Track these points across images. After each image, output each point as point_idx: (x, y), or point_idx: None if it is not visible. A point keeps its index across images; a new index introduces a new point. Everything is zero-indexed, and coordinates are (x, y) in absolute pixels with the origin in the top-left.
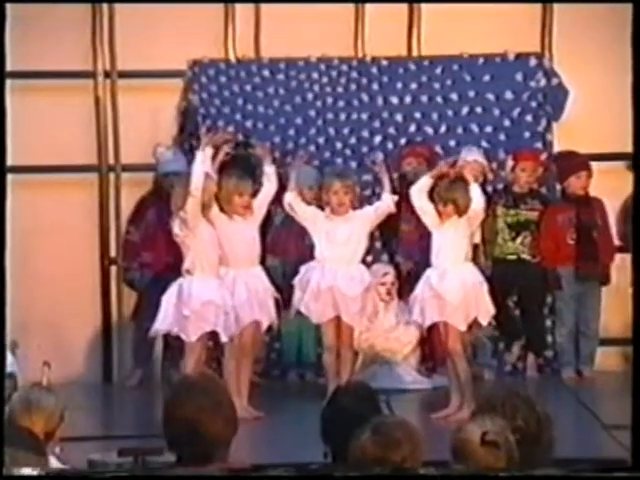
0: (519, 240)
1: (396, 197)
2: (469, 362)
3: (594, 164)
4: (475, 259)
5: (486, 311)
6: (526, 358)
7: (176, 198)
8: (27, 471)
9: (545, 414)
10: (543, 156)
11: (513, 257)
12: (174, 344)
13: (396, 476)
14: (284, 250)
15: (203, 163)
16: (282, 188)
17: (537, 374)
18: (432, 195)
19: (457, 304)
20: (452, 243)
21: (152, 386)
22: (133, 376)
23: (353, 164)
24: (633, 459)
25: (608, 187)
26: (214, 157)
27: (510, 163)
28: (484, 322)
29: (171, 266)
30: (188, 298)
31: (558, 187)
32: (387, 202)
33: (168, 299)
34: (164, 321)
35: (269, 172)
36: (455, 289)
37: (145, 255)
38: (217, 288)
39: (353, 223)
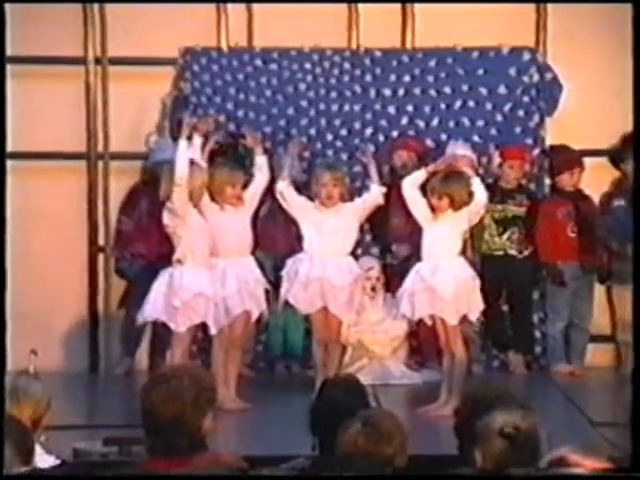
0: (506, 236)
1: (384, 189)
2: (467, 358)
3: (587, 160)
4: (462, 254)
5: (476, 307)
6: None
7: (163, 188)
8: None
9: (531, 412)
10: (534, 152)
11: (500, 253)
12: (162, 334)
13: (393, 476)
14: (272, 243)
15: (187, 151)
16: (272, 178)
17: (525, 370)
18: (424, 189)
19: (448, 299)
20: (446, 237)
21: (139, 376)
22: (121, 364)
23: (344, 156)
24: (633, 459)
25: (602, 183)
26: (203, 146)
27: (497, 160)
28: (473, 318)
29: (163, 256)
30: (179, 289)
31: (547, 182)
32: (375, 193)
33: (158, 288)
34: (153, 309)
35: (260, 163)
36: (448, 283)
37: (137, 245)
38: (208, 279)
39: (342, 215)
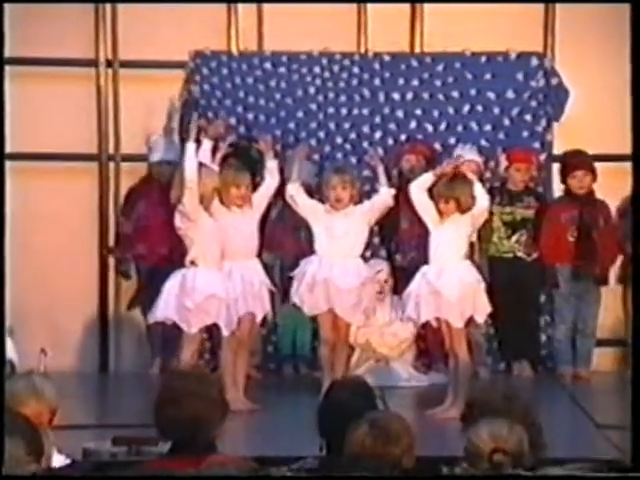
0: (515, 238)
1: (394, 190)
2: (472, 361)
3: (595, 164)
4: (470, 257)
5: (483, 310)
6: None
7: (174, 190)
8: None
9: (535, 415)
10: (540, 156)
11: (509, 255)
12: (168, 334)
13: (400, 477)
14: (280, 245)
15: (196, 155)
16: (282, 181)
17: (531, 373)
18: (431, 193)
19: (454, 301)
20: (452, 240)
21: (146, 376)
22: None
23: (353, 159)
24: (633, 460)
25: (609, 188)
26: (215, 149)
27: (504, 163)
28: (480, 320)
29: (164, 257)
30: (192, 290)
31: (555, 186)
32: (385, 195)
33: (170, 289)
34: (165, 309)
35: (271, 167)
36: (453, 286)
37: (137, 246)
38: (220, 281)
39: (352, 218)
